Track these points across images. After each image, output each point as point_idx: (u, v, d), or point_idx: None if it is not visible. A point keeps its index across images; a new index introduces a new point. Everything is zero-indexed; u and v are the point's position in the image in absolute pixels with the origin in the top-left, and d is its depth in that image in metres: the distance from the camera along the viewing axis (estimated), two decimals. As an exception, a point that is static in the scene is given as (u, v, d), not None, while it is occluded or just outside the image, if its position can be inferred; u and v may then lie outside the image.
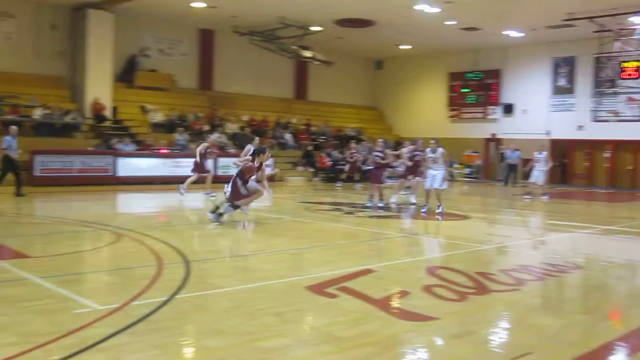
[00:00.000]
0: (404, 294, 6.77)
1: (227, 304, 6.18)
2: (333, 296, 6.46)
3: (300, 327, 5.48)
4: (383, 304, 6.18)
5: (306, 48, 27.67)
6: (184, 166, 22.51)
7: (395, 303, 6.35)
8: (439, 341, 5.26)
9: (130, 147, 22.11)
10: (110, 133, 22.75)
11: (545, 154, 20.36)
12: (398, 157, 18.29)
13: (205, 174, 18.44)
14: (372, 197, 16.18)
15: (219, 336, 5.11)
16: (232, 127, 26.56)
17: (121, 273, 7.68)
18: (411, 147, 17.44)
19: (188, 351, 4.99)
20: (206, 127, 25.85)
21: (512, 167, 26.00)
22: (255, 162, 11.70)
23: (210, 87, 29.09)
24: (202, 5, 23.54)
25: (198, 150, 18.29)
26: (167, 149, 22.82)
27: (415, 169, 16.82)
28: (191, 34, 28.29)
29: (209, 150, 18.47)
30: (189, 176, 18.20)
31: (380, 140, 17.07)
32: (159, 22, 26.66)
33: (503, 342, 5.42)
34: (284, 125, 28.93)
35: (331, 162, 26.70)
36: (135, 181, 20.96)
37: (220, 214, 11.78)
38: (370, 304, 6.17)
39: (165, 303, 5.97)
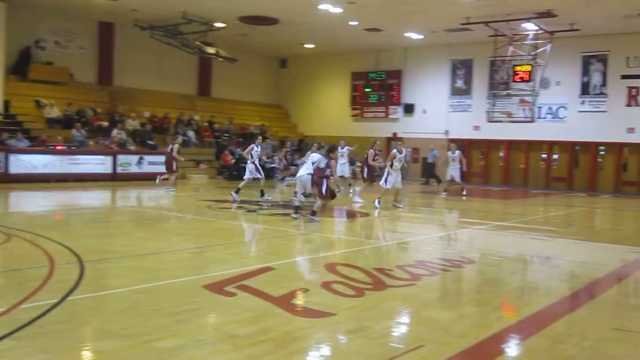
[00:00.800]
0: (302, 291, 6.82)
1: (122, 305, 6.03)
2: (231, 295, 6.43)
3: (196, 327, 5.42)
4: (281, 302, 6.20)
5: (210, 44, 27.34)
6: (82, 163, 21.86)
7: (293, 300, 6.39)
8: (335, 336, 5.34)
9: (24, 143, 21.15)
10: (1, 128, 21.66)
11: (458, 152, 21.52)
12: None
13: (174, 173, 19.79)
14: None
15: (112, 338, 4.98)
16: (132, 124, 25.89)
17: (9, 275, 7.35)
18: (371, 150, 18.19)
19: (78, 355, 4.81)
20: (105, 124, 25.10)
21: (430, 166, 26.75)
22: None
23: (110, 82, 28.25)
24: (101, -3, 22.86)
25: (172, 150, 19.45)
26: (64, 146, 21.97)
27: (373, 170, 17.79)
28: (90, 27, 27.37)
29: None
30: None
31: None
32: (56, 13, 25.64)
33: (397, 335, 5.56)
34: (186, 122, 28.48)
35: (234, 160, 26.51)
36: (29, 179, 20.12)
37: (314, 213, 12.59)
38: (268, 301, 6.19)
39: (56, 305, 5.76)
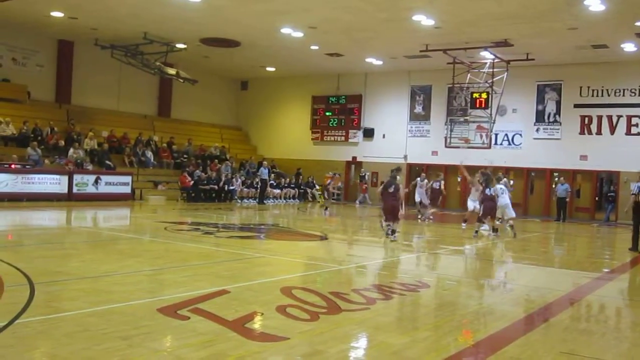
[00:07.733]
0: (257, 314, 6.79)
1: (72, 329, 5.90)
2: (185, 318, 6.36)
3: (147, 351, 5.33)
4: (235, 325, 6.15)
5: (170, 65, 27.27)
6: (37, 182, 21.45)
7: (247, 324, 6.34)
8: (288, 361, 5.32)
9: (-24, 162, 20.70)
10: (-47, 146, 21.20)
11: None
12: None
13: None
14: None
15: (60, 362, 4.88)
16: (90, 143, 25.55)
17: (-44, 297, 7.14)
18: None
19: (25, 379, 4.72)
20: (62, 142, 24.73)
21: (562, 202, 25.64)
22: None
23: (68, 100, 27.93)
24: (61, 15, 22.62)
25: None
26: (18, 164, 21.53)
27: None
28: (49, 45, 27.09)
29: None
30: None
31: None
32: (13, 30, 25.28)
33: (350, 360, 5.56)
34: (145, 143, 28.22)
35: (192, 182, 26.32)
36: (-19, 198, 19.65)
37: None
38: (222, 325, 6.14)
39: (3, 329, 5.63)
